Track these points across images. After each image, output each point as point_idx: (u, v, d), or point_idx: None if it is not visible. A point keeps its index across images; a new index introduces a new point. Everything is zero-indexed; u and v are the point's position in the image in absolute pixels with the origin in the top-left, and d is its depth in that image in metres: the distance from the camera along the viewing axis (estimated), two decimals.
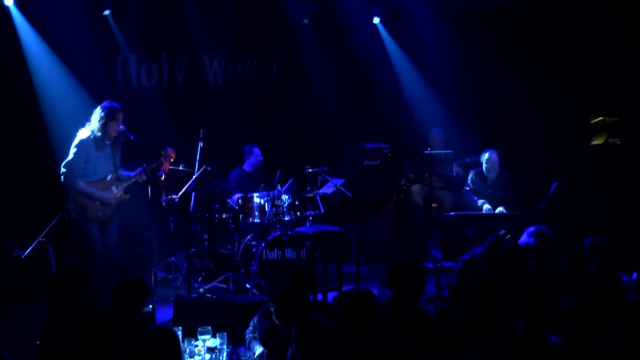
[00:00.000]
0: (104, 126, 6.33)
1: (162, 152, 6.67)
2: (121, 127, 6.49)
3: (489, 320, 3.57)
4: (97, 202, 6.37)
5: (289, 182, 7.63)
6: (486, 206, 7.64)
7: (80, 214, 6.35)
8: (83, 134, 6.37)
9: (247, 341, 4.68)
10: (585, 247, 4.95)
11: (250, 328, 4.74)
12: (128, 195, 6.60)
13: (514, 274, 4.70)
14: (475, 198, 7.75)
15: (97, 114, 6.36)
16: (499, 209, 7.61)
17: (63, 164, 6.35)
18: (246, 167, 8.03)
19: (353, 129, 8.84)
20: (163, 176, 6.94)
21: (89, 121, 6.38)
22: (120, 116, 6.41)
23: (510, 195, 7.73)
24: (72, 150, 6.34)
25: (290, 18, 8.70)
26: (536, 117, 8.61)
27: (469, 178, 7.91)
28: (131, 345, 3.42)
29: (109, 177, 6.45)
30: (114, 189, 6.47)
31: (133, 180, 6.58)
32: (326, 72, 8.85)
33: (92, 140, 6.35)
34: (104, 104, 6.40)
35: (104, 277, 6.28)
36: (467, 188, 7.89)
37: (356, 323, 3.54)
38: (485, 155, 7.77)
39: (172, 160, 6.75)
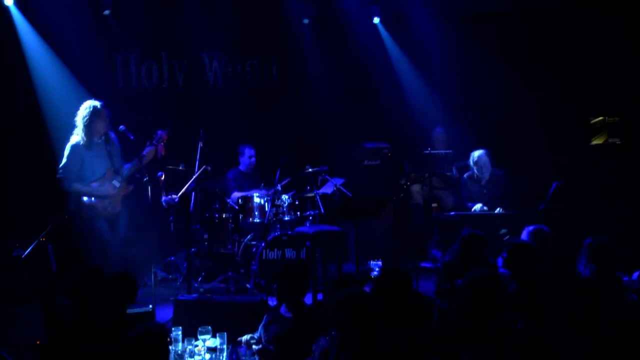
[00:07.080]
0: (89, 126, 6.32)
1: (154, 136, 6.64)
2: (121, 127, 6.49)
3: (484, 320, 3.56)
4: (105, 199, 6.38)
5: (287, 179, 7.61)
6: (478, 205, 7.50)
7: (89, 212, 6.36)
8: (73, 139, 6.38)
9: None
10: (586, 247, 4.94)
11: (256, 335, 4.61)
12: (132, 186, 6.59)
13: (518, 273, 4.69)
14: (470, 204, 7.65)
15: (81, 116, 6.35)
16: (497, 210, 7.58)
17: (58, 168, 6.37)
18: (242, 167, 8.03)
19: (353, 129, 8.83)
20: (163, 176, 6.94)
21: (75, 125, 6.38)
22: (104, 112, 6.38)
23: (507, 194, 7.68)
24: (65, 154, 6.36)
25: (290, 18, 8.69)
26: (536, 117, 8.60)
27: (462, 184, 7.82)
28: (122, 341, 3.44)
29: (104, 175, 6.45)
30: (115, 182, 6.46)
31: (139, 166, 6.49)
32: (326, 72, 8.82)
33: (82, 143, 6.35)
34: (85, 104, 6.38)
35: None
36: (463, 195, 7.84)
37: (353, 324, 3.54)
38: (474, 157, 7.66)
39: (164, 142, 6.71)
